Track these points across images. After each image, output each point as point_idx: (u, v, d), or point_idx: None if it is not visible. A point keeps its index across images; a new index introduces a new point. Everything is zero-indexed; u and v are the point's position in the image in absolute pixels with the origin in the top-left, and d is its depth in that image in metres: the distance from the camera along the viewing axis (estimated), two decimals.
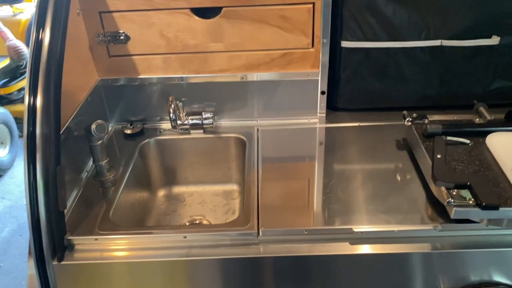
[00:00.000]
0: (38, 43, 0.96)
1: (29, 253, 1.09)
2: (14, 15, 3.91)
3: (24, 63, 3.34)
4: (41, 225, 0.97)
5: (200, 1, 1.25)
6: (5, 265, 2.43)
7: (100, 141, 1.18)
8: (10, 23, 3.64)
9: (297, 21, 1.28)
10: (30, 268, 1.09)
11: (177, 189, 1.47)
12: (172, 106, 1.25)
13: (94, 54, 1.34)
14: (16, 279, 2.34)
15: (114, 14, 1.28)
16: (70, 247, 1.03)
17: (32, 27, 0.97)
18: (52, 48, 0.95)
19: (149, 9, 1.26)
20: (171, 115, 1.27)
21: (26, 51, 3.34)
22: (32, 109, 0.94)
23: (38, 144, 0.94)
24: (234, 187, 1.47)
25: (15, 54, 3.30)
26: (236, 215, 1.37)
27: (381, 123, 1.40)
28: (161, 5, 1.26)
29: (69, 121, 1.17)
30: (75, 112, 1.20)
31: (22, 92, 3.58)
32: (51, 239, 0.98)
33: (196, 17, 1.28)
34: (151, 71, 1.37)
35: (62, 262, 1.00)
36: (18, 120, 3.34)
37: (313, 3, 1.26)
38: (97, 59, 1.35)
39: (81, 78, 1.28)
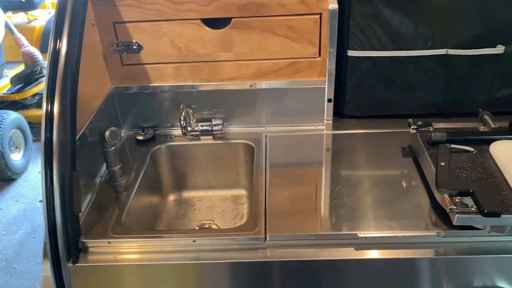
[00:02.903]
0: (56, 52, 1.00)
1: (44, 255, 1.14)
2: (29, 22, 4.00)
3: (39, 69, 3.42)
4: (57, 228, 1.01)
5: (210, 12, 1.29)
6: (19, 267, 2.48)
7: (113, 147, 1.23)
8: (25, 29, 3.73)
9: (304, 31, 1.32)
10: (44, 269, 1.13)
11: (187, 194, 1.51)
12: (183, 113, 1.29)
13: (108, 63, 1.38)
14: (29, 281, 2.39)
15: (128, 25, 1.32)
16: (84, 249, 1.07)
17: (50, 37, 1.02)
18: (68, 57, 1.00)
19: (161, 20, 1.31)
20: (182, 122, 1.31)
21: (41, 57, 3.42)
22: (49, 115, 0.98)
23: (55, 150, 0.98)
24: (243, 192, 1.50)
25: (30, 60, 3.37)
26: (245, 219, 1.40)
27: (386, 130, 1.42)
28: (173, 16, 1.30)
29: (84, 127, 1.21)
30: (90, 119, 1.25)
31: (36, 97, 3.66)
32: (66, 241, 1.02)
33: (207, 28, 1.32)
34: (163, 79, 1.41)
35: (77, 264, 1.04)
36: (32, 124, 3.42)
37: (320, 14, 1.29)
38: (110, 68, 1.39)
39: (95, 86, 1.33)
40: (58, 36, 1.01)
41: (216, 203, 1.48)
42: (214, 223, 1.40)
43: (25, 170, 3.28)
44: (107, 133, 1.16)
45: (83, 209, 1.18)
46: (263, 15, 1.29)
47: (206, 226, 1.39)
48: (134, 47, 1.35)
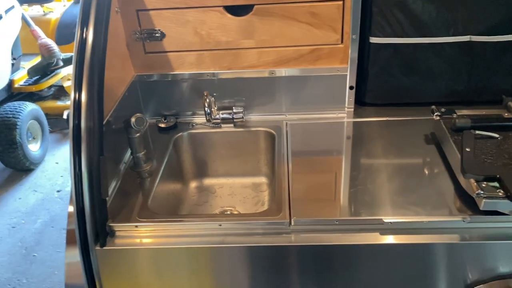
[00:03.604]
0: (82, 41, 1.01)
1: (68, 242, 1.16)
2: (45, 15, 4.04)
3: (55, 60, 3.45)
4: (85, 212, 1.02)
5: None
6: (39, 255, 2.53)
7: (138, 134, 1.24)
8: (41, 22, 3.77)
9: (327, 17, 1.32)
10: (68, 257, 1.15)
11: (208, 181, 1.52)
12: (207, 100, 1.30)
13: (131, 50, 1.40)
14: (49, 269, 2.43)
15: (151, 12, 1.33)
16: (112, 233, 1.09)
17: (77, 26, 1.03)
18: (95, 46, 1.01)
19: (184, 7, 1.32)
20: (206, 109, 1.32)
21: (57, 49, 3.45)
22: (77, 103, 0.99)
23: (83, 136, 1.00)
24: (263, 179, 1.51)
25: (46, 52, 3.41)
26: (266, 207, 1.41)
27: (408, 118, 1.42)
28: (195, 3, 1.31)
29: (109, 114, 1.23)
30: (115, 106, 1.26)
31: (53, 89, 3.70)
32: (94, 225, 1.04)
33: (229, 15, 1.33)
34: (185, 67, 1.42)
35: (104, 248, 1.06)
36: (49, 116, 3.46)
37: (343, 0, 1.29)
38: (133, 56, 1.41)
39: (119, 74, 1.34)
40: (84, 24, 1.02)
41: (237, 190, 1.50)
42: (236, 209, 1.42)
43: (42, 160, 3.32)
44: (133, 119, 1.18)
45: (109, 194, 1.19)
46: (285, 2, 1.29)
47: (228, 212, 1.40)
48: (157, 34, 1.36)
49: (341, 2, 1.29)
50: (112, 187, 1.23)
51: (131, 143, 1.26)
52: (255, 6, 1.31)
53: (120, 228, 1.09)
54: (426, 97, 1.44)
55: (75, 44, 1.02)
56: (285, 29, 1.34)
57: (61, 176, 3.18)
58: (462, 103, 1.42)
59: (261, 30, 1.34)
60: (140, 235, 1.09)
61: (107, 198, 1.08)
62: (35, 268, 2.44)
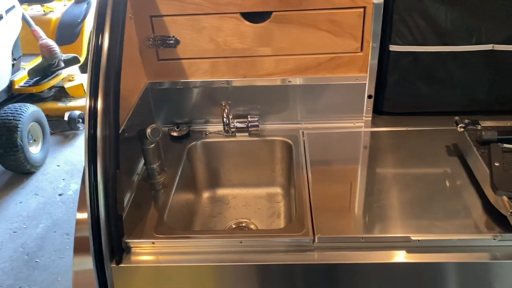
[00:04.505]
0: (98, 48, 0.97)
1: (75, 250, 1.12)
2: (45, 14, 3.97)
3: (56, 61, 3.39)
4: (101, 227, 0.98)
5: (250, 6, 1.26)
6: (41, 261, 2.48)
7: (152, 145, 1.20)
8: (41, 22, 3.71)
9: (347, 25, 1.28)
10: (76, 265, 1.11)
11: (221, 191, 1.48)
12: (226, 110, 1.26)
13: (143, 57, 1.35)
14: (52, 275, 2.38)
15: (165, 18, 1.29)
16: (127, 249, 1.05)
17: (92, 33, 0.99)
18: (111, 53, 0.97)
19: (200, 13, 1.27)
20: (225, 119, 1.28)
21: (58, 50, 3.39)
22: (93, 112, 0.95)
23: (99, 147, 0.95)
24: (278, 190, 1.48)
25: (47, 52, 3.34)
26: (282, 218, 1.38)
27: (429, 128, 1.38)
28: (211, 10, 1.27)
29: (124, 124, 1.19)
30: (129, 115, 1.22)
31: (53, 90, 3.64)
32: (109, 241, 1.00)
33: (246, 22, 1.29)
34: (199, 75, 1.38)
35: (121, 265, 1.02)
36: (49, 117, 3.41)
37: (364, 7, 1.25)
38: (146, 63, 1.36)
39: (132, 82, 1.30)
40: (100, 31, 0.98)
41: (251, 201, 1.46)
42: (251, 221, 1.38)
43: (43, 163, 3.26)
44: (148, 130, 1.14)
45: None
46: (305, 9, 1.25)
47: (243, 224, 1.36)
48: (171, 41, 1.32)
49: (362, 10, 1.25)
50: (126, 200, 1.18)
51: (145, 154, 1.21)
52: (274, 13, 1.27)
53: (137, 245, 1.05)
54: (446, 106, 1.41)
55: (90, 50, 0.98)
56: (304, 37, 1.30)
57: (63, 180, 3.12)
58: (483, 112, 1.38)
59: (279, 37, 1.30)
60: (157, 252, 1.05)
61: (122, 214, 1.04)
62: (38, 275, 2.39)
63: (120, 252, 1.03)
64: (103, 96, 0.95)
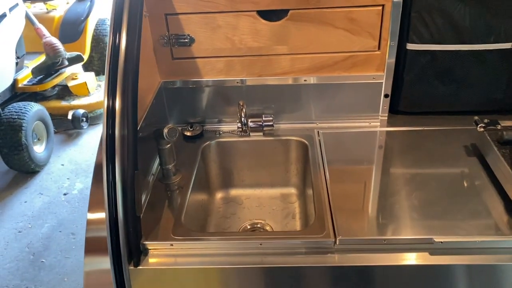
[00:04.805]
0: (116, 47, 0.95)
1: (86, 250, 1.10)
2: (48, 12, 3.94)
3: (60, 60, 3.36)
4: (119, 229, 0.96)
5: (267, 4, 1.24)
6: (47, 261, 2.46)
7: (168, 145, 1.18)
8: (44, 20, 3.68)
9: (365, 23, 1.26)
10: (87, 265, 1.09)
11: (235, 192, 1.47)
12: (244, 110, 1.24)
13: (157, 56, 1.33)
14: (58, 275, 2.36)
15: (180, 16, 1.27)
16: (145, 251, 1.03)
17: (109, 31, 0.97)
18: (128, 51, 0.96)
19: (215, 12, 1.25)
20: (243, 119, 1.26)
21: (62, 48, 3.37)
22: (111, 111, 0.93)
23: (117, 147, 0.94)
24: (292, 190, 1.46)
25: (51, 51, 3.32)
26: (297, 219, 1.36)
27: (446, 128, 1.36)
28: (227, 8, 1.25)
29: (139, 124, 1.17)
30: (145, 115, 1.20)
31: (56, 88, 3.62)
32: (127, 243, 0.98)
33: (263, 20, 1.27)
34: (213, 73, 1.36)
35: (139, 267, 1.00)
36: (52, 116, 3.38)
37: (383, 5, 1.23)
38: (160, 61, 1.34)
39: (146, 81, 1.28)
40: (117, 30, 0.96)
41: (265, 202, 1.44)
42: (266, 222, 1.36)
43: (48, 162, 3.24)
44: (165, 130, 1.12)
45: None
46: (323, 7, 1.24)
47: (259, 226, 1.34)
48: (185, 40, 1.30)
49: (380, 8, 1.24)
50: (142, 201, 1.16)
51: (161, 154, 1.19)
52: (290, 11, 1.25)
53: (155, 247, 1.03)
54: (463, 106, 1.39)
55: (107, 49, 0.96)
56: (321, 35, 1.28)
57: (67, 179, 3.10)
58: (501, 111, 1.37)
59: (295, 36, 1.29)
60: (175, 254, 1.03)
61: (140, 215, 1.02)
62: (44, 275, 2.37)
63: (138, 254, 1.01)
64: (121, 95, 0.94)
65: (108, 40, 0.96)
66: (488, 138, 1.17)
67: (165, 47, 1.32)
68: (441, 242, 0.98)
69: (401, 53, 1.34)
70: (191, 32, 1.29)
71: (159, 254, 1.03)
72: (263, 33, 1.28)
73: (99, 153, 1.23)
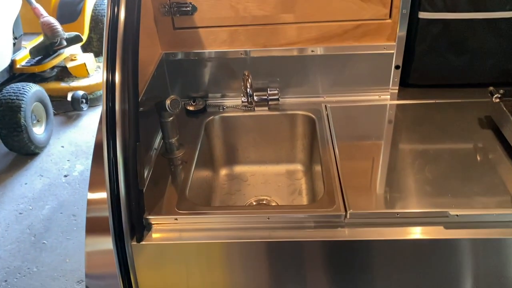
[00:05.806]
0: (114, 17, 0.90)
1: (87, 230, 1.06)
2: None
3: (58, 40, 3.29)
4: (121, 203, 0.92)
5: None
6: (49, 242, 2.43)
7: (171, 118, 1.14)
8: None
9: None
10: (88, 245, 1.06)
11: (239, 168, 1.43)
12: (249, 80, 1.19)
13: (158, 26, 1.28)
14: (60, 256, 2.34)
15: None
16: (148, 226, 1.00)
17: (107, 2, 0.91)
18: (127, 22, 0.90)
19: None
20: (248, 90, 1.21)
21: (60, 28, 3.30)
22: (110, 85, 0.89)
23: (118, 120, 0.89)
24: (298, 166, 1.42)
25: (49, 31, 3.25)
26: (303, 195, 1.32)
27: (458, 100, 1.32)
28: None
29: (140, 97, 1.12)
30: (145, 87, 1.15)
31: (55, 70, 3.56)
32: (129, 218, 0.94)
33: None
34: (217, 44, 1.31)
35: (142, 243, 0.97)
36: (52, 98, 3.33)
37: None
38: (161, 32, 1.29)
39: (147, 53, 1.23)
40: (115, 1, 0.90)
41: (270, 178, 1.40)
42: (272, 199, 1.32)
43: (47, 144, 3.20)
44: (168, 101, 1.07)
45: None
46: None
47: (264, 202, 1.31)
48: (187, 8, 1.24)
49: None
50: (144, 175, 1.12)
51: (163, 127, 1.15)
52: None
53: (158, 221, 1.00)
54: (476, 78, 1.34)
55: (106, 20, 0.91)
56: (329, 2, 1.23)
57: (68, 161, 3.06)
58: None
59: (302, 2, 1.23)
60: (179, 229, 1.00)
61: (143, 189, 0.98)
62: (46, 256, 2.35)
63: (140, 229, 0.98)
64: (120, 68, 0.89)
65: (107, 9, 0.91)
66: (504, 108, 1.12)
67: (166, 16, 1.26)
68: (457, 215, 0.95)
69: (413, 23, 1.28)
70: (193, 0, 1.23)
71: (163, 229, 1.00)
72: (268, 1, 1.23)
73: (99, 131, 1.19)
